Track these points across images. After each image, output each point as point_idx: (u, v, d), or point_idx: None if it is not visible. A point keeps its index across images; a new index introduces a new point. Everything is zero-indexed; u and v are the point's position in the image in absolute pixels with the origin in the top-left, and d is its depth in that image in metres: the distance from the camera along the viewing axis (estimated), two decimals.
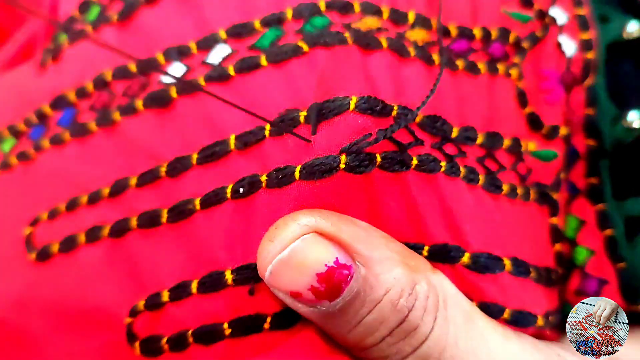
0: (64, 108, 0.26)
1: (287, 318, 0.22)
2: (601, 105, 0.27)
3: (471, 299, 0.23)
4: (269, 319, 0.21)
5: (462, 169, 0.23)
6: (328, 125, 0.21)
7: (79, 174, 0.24)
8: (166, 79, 0.24)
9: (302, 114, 0.21)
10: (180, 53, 0.24)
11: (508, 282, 0.23)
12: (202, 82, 0.23)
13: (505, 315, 0.23)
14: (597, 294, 0.26)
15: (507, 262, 0.23)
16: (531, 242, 0.24)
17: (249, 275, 0.21)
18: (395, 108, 0.21)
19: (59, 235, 0.24)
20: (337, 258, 0.19)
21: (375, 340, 0.20)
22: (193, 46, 0.24)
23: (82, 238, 0.24)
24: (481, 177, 0.23)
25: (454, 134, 0.23)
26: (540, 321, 0.24)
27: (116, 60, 0.25)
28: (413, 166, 0.21)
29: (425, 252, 0.22)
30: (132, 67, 0.25)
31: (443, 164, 0.22)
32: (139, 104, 0.24)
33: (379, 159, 0.21)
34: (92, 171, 0.24)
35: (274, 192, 0.21)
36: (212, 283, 0.22)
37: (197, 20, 0.24)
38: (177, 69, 0.24)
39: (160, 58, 0.24)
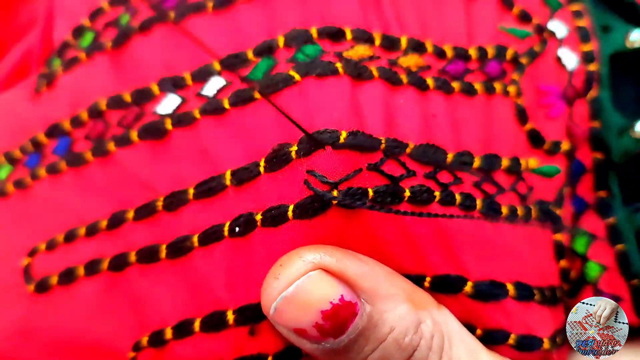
0: (59, 136, 0.26)
1: (288, 358, 0.21)
2: (607, 117, 0.26)
3: (475, 327, 0.22)
4: (270, 359, 0.21)
5: (457, 197, 0.22)
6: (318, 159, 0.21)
7: (76, 204, 0.24)
8: (161, 110, 0.24)
9: (293, 149, 0.21)
10: (175, 84, 0.24)
11: (512, 307, 0.23)
12: (197, 115, 0.23)
13: (511, 340, 0.23)
14: None
15: (510, 287, 0.23)
16: (534, 263, 0.24)
17: (249, 315, 0.21)
18: (384, 141, 0.21)
19: (57, 267, 0.24)
20: (342, 295, 0.19)
21: None
22: (188, 77, 0.24)
23: (81, 271, 0.24)
24: (478, 202, 0.23)
25: (448, 160, 0.23)
26: (546, 344, 0.23)
27: (110, 89, 0.25)
28: (406, 198, 0.21)
29: (427, 284, 0.22)
30: (127, 97, 0.25)
31: (437, 193, 0.22)
32: (133, 134, 0.24)
33: (371, 193, 0.21)
34: (89, 202, 0.24)
35: (269, 231, 0.21)
36: (214, 323, 0.22)
37: (191, 50, 0.24)
38: (171, 100, 0.24)
39: (155, 88, 0.24)
